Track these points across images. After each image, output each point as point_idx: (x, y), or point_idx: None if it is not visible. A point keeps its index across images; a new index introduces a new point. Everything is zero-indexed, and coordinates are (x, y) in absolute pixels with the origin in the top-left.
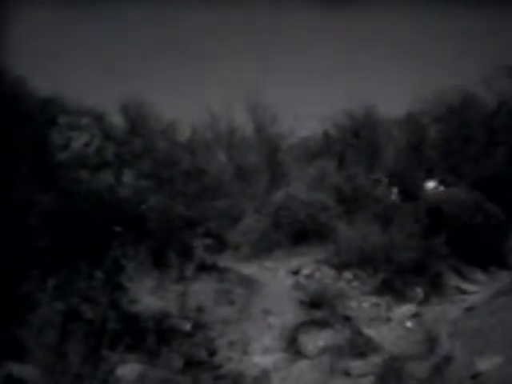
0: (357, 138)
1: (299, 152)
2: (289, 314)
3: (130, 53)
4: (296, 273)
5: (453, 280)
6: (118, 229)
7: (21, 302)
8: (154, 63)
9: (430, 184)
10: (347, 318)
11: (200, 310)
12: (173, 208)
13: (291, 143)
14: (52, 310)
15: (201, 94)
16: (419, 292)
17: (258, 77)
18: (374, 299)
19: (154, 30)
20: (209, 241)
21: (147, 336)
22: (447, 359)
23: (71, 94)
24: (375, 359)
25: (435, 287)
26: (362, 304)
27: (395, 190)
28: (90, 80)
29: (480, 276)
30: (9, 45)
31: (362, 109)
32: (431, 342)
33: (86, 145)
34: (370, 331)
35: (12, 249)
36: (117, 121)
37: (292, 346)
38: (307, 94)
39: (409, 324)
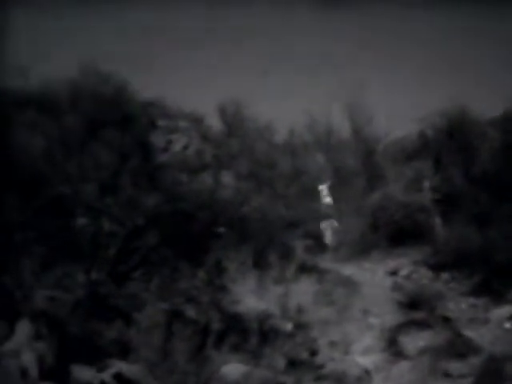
0: (452, 139)
1: (395, 153)
2: (388, 315)
3: (227, 55)
4: (394, 274)
5: None
6: (221, 230)
7: (126, 301)
8: (251, 65)
9: None
10: (446, 319)
11: (301, 310)
12: (273, 209)
13: (387, 144)
14: (157, 309)
15: (298, 95)
16: None
17: (355, 78)
18: (471, 300)
19: (253, 34)
20: (308, 242)
21: (250, 336)
22: None
23: (171, 97)
24: (474, 360)
25: None
26: (460, 305)
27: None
28: (189, 83)
29: None
30: (109, 51)
31: (456, 109)
32: None
33: (185, 147)
34: (469, 332)
35: (118, 249)
36: (215, 123)
37: (392, 347)
38: (402, 95)
39: (508, 325)
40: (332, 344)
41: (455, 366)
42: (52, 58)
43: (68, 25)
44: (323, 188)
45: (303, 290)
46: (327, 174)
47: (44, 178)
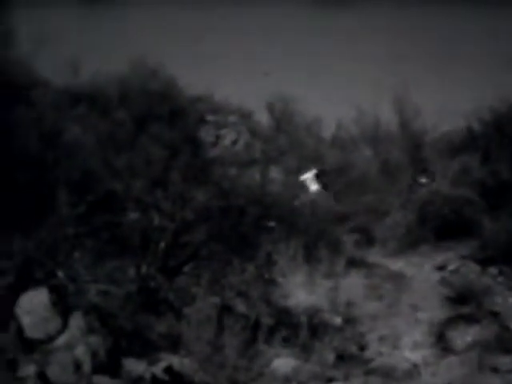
0: (499, 133)
1: (442, 147)
2: (436, 310)
3: (272, 51)
4: (441, 268)
5: None
6: (271, 224)
7: (176, 296)
8: (297, 60)
9: None
10: (494, 314)
11: (350, 304)
12: (322, 203)
13: (434, 138)
14: (207, 304)
15: (346, 89)
16: None
17: (403, 72)
18: None
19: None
20: (357, 236)
21: (299, 330)
22: None
23: (219, 92)
24: None
25: None
26: (507, 299)
27: None
28: (237, 78)
29: None
30: (159, 47)
31: (504, 104)
32: None
33: (234, 142)
34: None
35: (168, 244)
36: (263, 118)
37: (440, 342)
38: (449, 89)
39: None
40: (381, 338)
41: (503, 361)
42: (102, 55)
43: (118, 22)
44: (309, 176)
45: (352, 285)
46: (374, 167)
47: (95, 173)
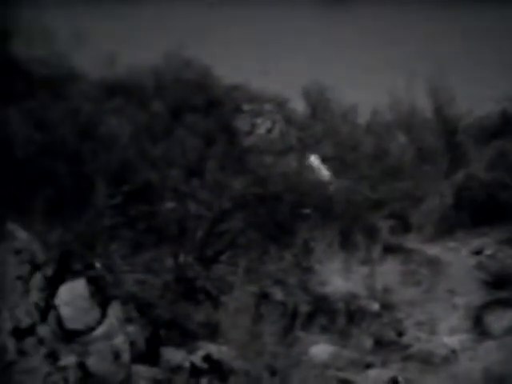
0: None
1: (477, 132)
2: (473, 295)
3: (307, 39)
4: (478, 253)
5: None
6: (307, 211)
7: (214, 284)
8: (334, 47)
9: None
10: None
11: (387, 291)
12: (358, 190)
13: (469, 124)
14: (245, 292)
15: (380, 75)
16: None
17: (436, 58)
18: None
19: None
20: (393, 222)
21: (337, 317)
22: None
23: (255, 81)
24: None
25: None
26: None
27: None
28: (272, 67)
29: None
30: (193, 35)
31: None
32: None
33: (270, 130)
34: None
35: (206, 233)
36: (298, 106)
37: (477, 327)
38: (482, 75)
39: None
40: (418, 324)
41: None
42: (138, 46)
43: (154, 15)
44: (314, 159)
45: (389, 271)
46: (409, 153)
47: (131, 164)
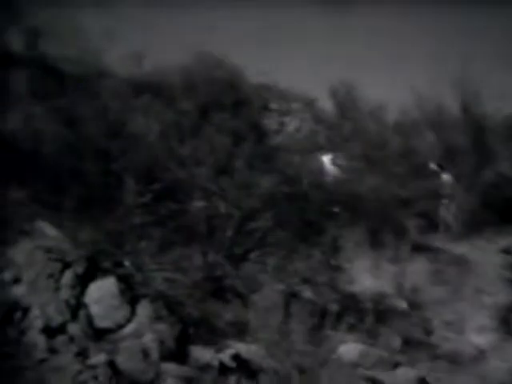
0: None
1: (504, 130)
2: (500, 294)
3: (334, 38)
4: (506, 251)
5: None
6: (336, 210)
7: (243, 283)
8: (360, 45)
9: None
10: None
11: (415, 290)
12: (387, 189)
13: (497, 122)
14: (274, 290)
15: (408, 74)
16: None
17: (463, 56)
18: None
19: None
20: (421, 221)
21: (366, 316)
22: None
23: (283, 80)
24: None
25: None
26: None
27: None
28: (300, 66)
29: None
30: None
31: None
32: None
33: (298, 129)
34: None
35: (234, 231)
36: (326, 105)
37: (505, 325)
38: (509, 73)
39: None
40: (446, 323)
41: None
42: (166, 45)
43: (181, 11)
44: (326, 158)
45: (417, 270)
46: (437, 151)
47: (160, 162)
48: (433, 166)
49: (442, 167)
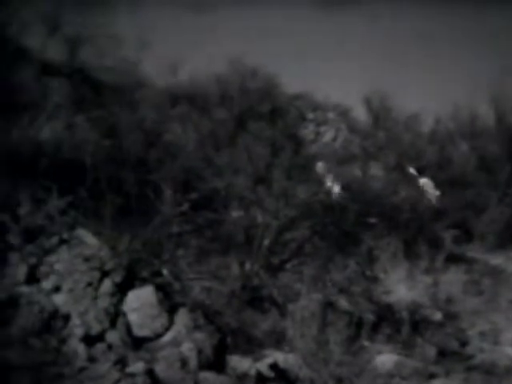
0: None
1: None
2: None
3: (370, 46)
4: None
5: None
6: (372, 220)
7: (280, 292)
8: (396, 55)
9: None
10: None
11: (450, 300)
12: (421, 199)
13: None
14: (311, 300)
15: (443, 84)
16: None
17: (496, 65)
18: None
19: (398, 22)
20: (456, 231)
21: (401, 326)
22: None
23: (318, 90)
24: None
25: None
26: None
27: None
28: (335, 74)
29: None
30: (257, 46)
31: None
32: None
33: (334, 139)
34: None
35: (272, 241)
36: (361, 114)
37: None
38: None
39: None
40: (481, 334)
41: None
42: (200, 54)
43: (215, 20)
44: (321, 165)
45: (452, 280)
46: (472, 161)
47: (197, 171)
48: (412, 170)
49: (419, 172)
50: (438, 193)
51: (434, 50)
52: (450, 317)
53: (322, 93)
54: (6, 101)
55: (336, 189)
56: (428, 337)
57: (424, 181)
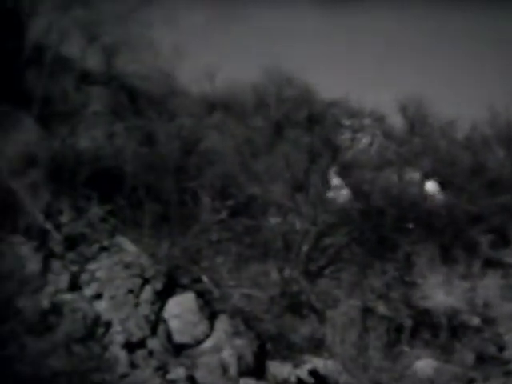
0: None
1: None
2: None
3: (406, 52)
4: None
5: None
6: (410, 226)
7: (319, 298)
8: (431, 61)
9: None
10: None
11: (487, 305)
12: (458, 205)
13: None
14: (349, 306)
15: (478, 90)
16: None
17: None
18: None
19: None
20: (493, 236)
21: (440, 331)
22: None
23: (353, 96)
24: None
25: None
26: None
27: None
28: (371, 82)
29: None
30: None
31: None
32: None
33: (369, 145)
34: None
35: (310, 247)
36: (396, 121)
37: None
38: None
39: None
40: None
41: None
42: (236, 63)
43: (251, 28)
44: (331, 171)
45: (489, 285)
46: (508, 167)
47: (234, 178)
48: (415, 175)
49: (426, 176)
50: (441, 196)
51: (475, 58)
52: (488, 322)
53: (357, 99)
54: (47, 110)
55: None
56: (466, 342)
57: (429, 183)
